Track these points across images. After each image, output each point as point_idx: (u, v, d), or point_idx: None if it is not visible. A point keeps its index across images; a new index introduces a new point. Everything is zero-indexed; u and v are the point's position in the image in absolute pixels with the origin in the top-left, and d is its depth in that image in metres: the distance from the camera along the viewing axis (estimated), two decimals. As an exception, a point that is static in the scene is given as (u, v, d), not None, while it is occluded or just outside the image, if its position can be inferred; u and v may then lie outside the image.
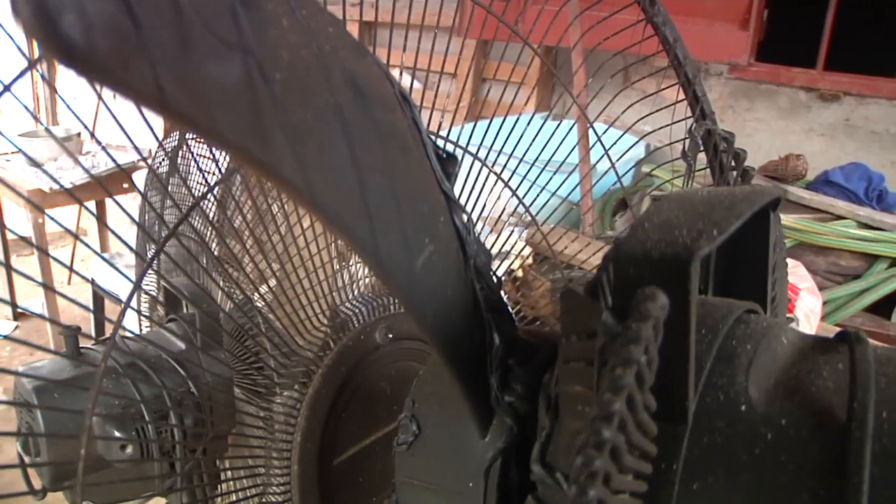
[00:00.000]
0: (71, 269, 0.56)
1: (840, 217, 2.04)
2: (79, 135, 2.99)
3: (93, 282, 2.55)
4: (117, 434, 0.65)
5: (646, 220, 0.28)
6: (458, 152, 0.60)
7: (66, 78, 3.87)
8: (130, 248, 0.56)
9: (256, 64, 0.19)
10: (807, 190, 2.20)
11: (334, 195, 0.23)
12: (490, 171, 0.56)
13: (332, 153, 0.23)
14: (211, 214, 0.73)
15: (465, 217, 0.32)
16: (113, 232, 0.48)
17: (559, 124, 0.73)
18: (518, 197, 0.66)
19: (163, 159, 1.07)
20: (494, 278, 0.34)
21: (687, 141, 0.65)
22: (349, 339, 0.47)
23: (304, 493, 0.43)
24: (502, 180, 0.56)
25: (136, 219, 1.00)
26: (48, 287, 2.46)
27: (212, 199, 0.60)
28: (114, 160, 0.47)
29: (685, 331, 0.24)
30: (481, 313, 0.31)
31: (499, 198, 0.72)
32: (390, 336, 0.49)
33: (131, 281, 0.51)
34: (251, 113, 0.20)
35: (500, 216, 0.80)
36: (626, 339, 0.21)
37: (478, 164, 0.63)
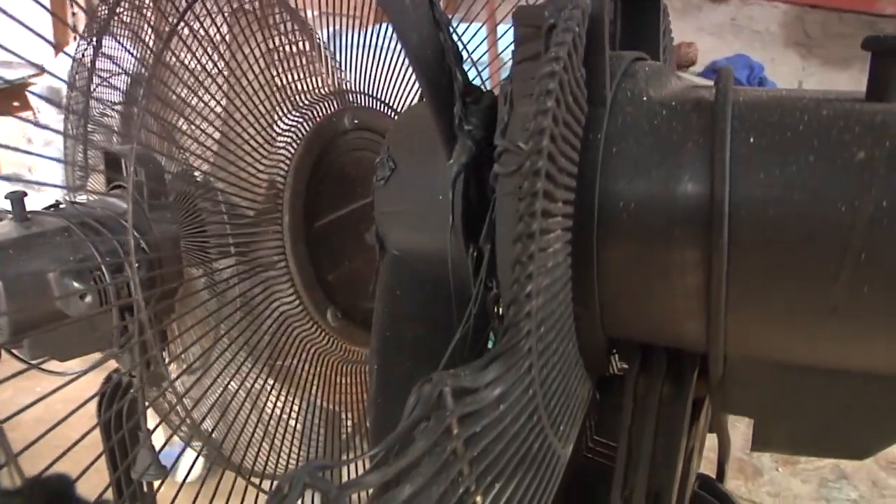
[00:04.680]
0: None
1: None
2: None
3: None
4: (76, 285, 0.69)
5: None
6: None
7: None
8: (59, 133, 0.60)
9: None
10: (697, 76, 2.37)
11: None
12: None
13: None
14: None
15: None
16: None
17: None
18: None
19: (86, 49, 1.06)
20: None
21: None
22: (324, 120, 0.55)
23: (294, 241, 0.51)
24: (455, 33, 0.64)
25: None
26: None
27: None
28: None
29: (601, 34, 0.34)
30: (447, 58, 0.40)
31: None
32: (356, 122, 0.57)
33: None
34: None
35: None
36: (564, 17, 0.30)
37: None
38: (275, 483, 0.61)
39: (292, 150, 0.52)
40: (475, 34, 0.79)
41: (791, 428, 0.36)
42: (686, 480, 0.42)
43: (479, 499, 0.29)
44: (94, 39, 0.98)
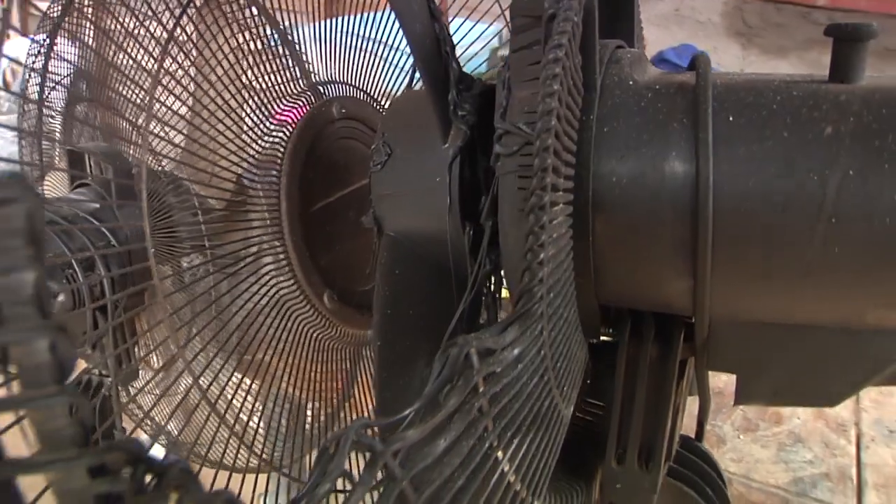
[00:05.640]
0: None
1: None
2: None
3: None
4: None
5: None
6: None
7: None
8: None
9: None
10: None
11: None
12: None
13: None
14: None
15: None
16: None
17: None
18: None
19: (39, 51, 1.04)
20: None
21: None
22: (313, 109, 0.56)
23: (291, 226, 0.53)
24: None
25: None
26: None
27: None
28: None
29: (593, 22, 0.36)
30: (443, 48, 0.42)
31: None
32: (343, 111, 0.59)
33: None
34: None
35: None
36: (564, 7, 0.33)
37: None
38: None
39: (286, 136, 0.54)
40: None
41: (771, 381, 0.40)
42: (673, 437, 0.45)
43: (500, 454, 0.32)
44: (46, 40, 0.96)
